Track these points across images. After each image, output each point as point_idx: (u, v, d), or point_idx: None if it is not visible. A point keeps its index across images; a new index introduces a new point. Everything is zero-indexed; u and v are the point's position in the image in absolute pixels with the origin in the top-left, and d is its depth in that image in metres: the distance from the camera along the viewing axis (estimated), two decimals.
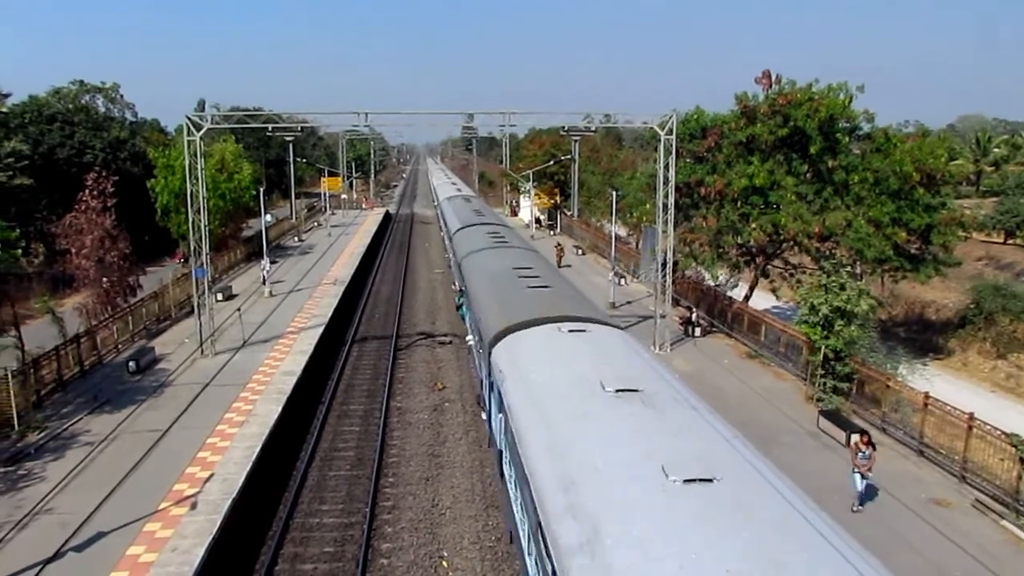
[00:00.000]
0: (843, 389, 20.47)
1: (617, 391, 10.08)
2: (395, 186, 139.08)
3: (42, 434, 18.62)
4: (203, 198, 25.40)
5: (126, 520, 14.17)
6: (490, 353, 14.21)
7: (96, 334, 24.99)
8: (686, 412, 9.61)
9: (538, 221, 62.32)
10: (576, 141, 57.74)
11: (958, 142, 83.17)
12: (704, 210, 29.83)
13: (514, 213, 72.03)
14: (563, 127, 42.54)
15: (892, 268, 28.21)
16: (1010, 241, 59.15)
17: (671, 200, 25.66)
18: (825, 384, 20.61)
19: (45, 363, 21.46)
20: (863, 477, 15.05)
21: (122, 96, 72.23)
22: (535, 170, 59.40)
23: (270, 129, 53.35)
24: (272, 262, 39.71)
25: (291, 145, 65.43)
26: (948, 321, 39.16)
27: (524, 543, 10.20)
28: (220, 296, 33.04)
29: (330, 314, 31.21)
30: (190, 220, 25.58)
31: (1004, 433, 15.28)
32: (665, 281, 26.82)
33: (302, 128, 70.20)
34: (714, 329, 29.10)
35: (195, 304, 26.15)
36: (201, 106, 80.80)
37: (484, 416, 17.32)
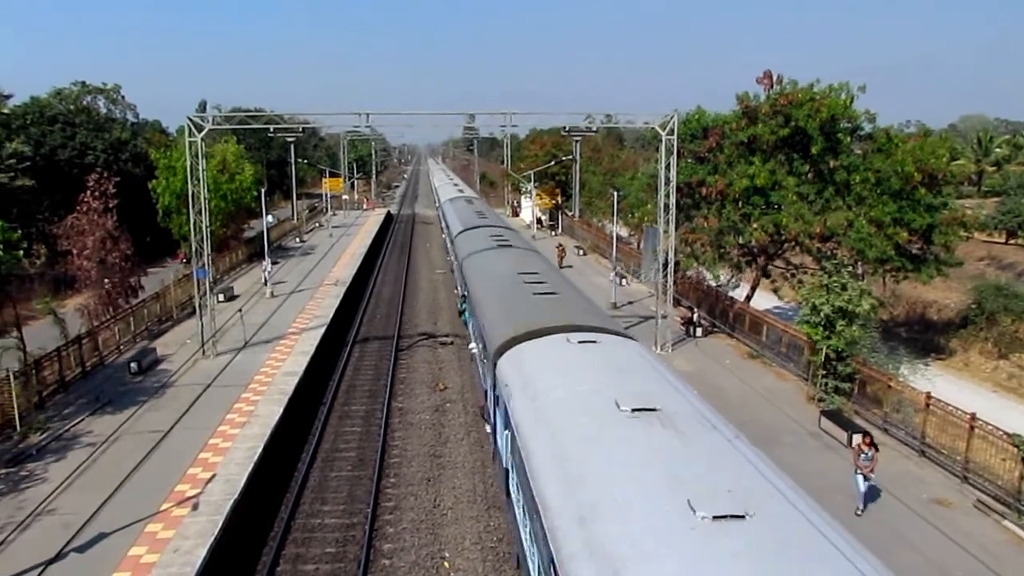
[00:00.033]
0: (845, 389, 20.43)
1: (633, 410, 9.55)
2: (396, 186, 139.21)
3: (44, 435, 18.63)
4: (204, 199, 25.44)
5: (128, 521, 14.18)
6: (495, 364, 13.73)
7: (98, 335, 25.01)
8: (709, 435, 9.07)
9: (539, 221, 62.39)
10: (577, 141, 57.67)
11: (960, 142, 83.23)
12: (705, 210, 29.79)
13: (515, 213, 72.06)
14: (564, 127, 42.67)
15: (894, 268, 28.14)
16: (1012, 241, 59.09)
17: (672, 200, 25.64)
18: (827, 384, 20.58)
19: (47, 364, 21.47)
20: (865, 479, 15.01)
21: (123, 97, 72.37)
22: (536, 170, 59.40)
23: (271, 130, 53.75)
24: (273, 263, 39.76)
25: (292, 146, 65.45)
26: (950, 321, 39.13)
27: None
28: (222, 297, 33.09)
29: (331, 315, 31.22)
30: (191, 221, 25.62)
31: (1006, 433, 15.26)
32: (666, 281, 26.80)
33: (303, 129, 70.53)
34: (715, 329, 29.07)
35: (197, 305, 26.20)
36: (202, 107, 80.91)
37: (488, 429, 16.82)
